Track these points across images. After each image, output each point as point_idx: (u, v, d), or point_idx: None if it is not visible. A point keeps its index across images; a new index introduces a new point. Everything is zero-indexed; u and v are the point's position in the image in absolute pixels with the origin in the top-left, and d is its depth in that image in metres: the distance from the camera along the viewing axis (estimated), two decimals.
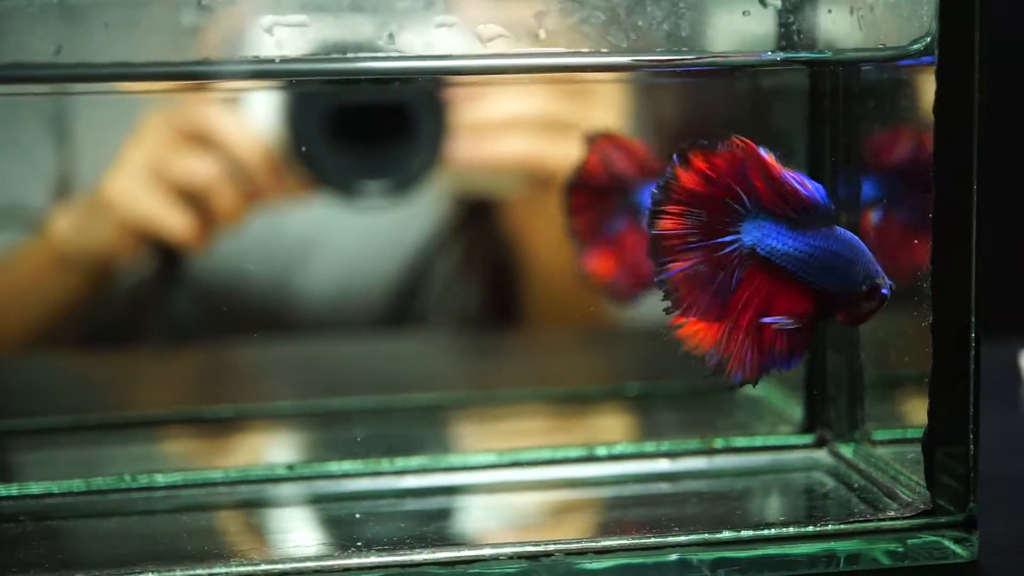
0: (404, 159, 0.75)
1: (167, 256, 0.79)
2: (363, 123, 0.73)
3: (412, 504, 0.45)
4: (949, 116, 0.38)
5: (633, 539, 0.39)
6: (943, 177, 0.38)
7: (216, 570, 0.37)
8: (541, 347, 0.78)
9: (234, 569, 0.38)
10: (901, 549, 0.40)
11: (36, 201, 0.84)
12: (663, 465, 0.48)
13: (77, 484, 0.45)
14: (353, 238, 0.86)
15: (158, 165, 0.75)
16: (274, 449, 0.55)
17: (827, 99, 0.45)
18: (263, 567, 0.38)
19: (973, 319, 0.39)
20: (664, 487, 0.47)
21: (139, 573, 0.37)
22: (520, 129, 0.77)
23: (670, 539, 0.39)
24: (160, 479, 0.45)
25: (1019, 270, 0.95)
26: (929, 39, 0.38)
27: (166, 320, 0.80)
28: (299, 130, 0.74)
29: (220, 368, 0.75)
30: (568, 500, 0.46)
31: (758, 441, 0.48)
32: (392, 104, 0.73)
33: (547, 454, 0.48)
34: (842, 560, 0.40)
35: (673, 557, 0.39)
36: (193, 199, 0.75)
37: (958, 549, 0.40)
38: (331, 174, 0.74)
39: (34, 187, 0.85)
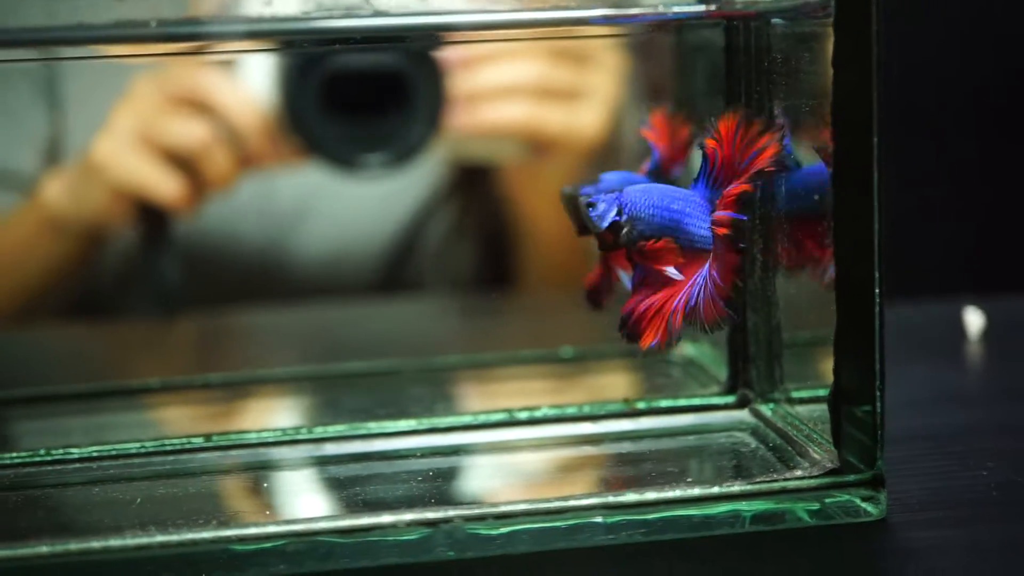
0: (402, 131, 0.74)
1: (156, 220, 0.78)
2: (360, 94, 0.72)
3: (329, 471, 0.45)
4: (847, 67, 0.37)
5: (533, 504, 0.39)
6: (842, 130, 0.38)
7: (111, 543, 0.37)
8: (535, 310, 0.77)
9: (129, 542, 0.37)
10: (816, 507, 0.40)
11: (26, 166, 0.84)
12: (586, 428, 0.47)
13: None
14: (347, 203, 0.85)
15: (148, 129, 0.74)
16: (254, 415, 0.55)
17: (741, 55, 0.45)
18: (159, 539, 0.37)
19: (877, 275, 0.38)
20: (587, 450, 0.47)
21: (32, 547, 0.37)
22: (517, 95, 0.76)
23: (572, 503, 0.39)
24: (75, 452, 0.45)
25: (964, 230, 0.94)
26: None
27: (155, 285, 0.80)
28: (295, 102, 0.73)
29: (208, 335, 0.75)
30: (486, 466, 0.46)
31: (681, 402, 0.48)
32: (389, 74, 0.72)
33: (468, 419, 0.47)
34: (747, 520, 0.39)
35: (575, 521, 0.39)
36: (183, 163, 0.75)
37: (868, 507, 0.40)
38: (328, 147, 0.73)
39: (24, 152, 0.84)
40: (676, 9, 0.41)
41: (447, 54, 0.74)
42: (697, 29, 0.48)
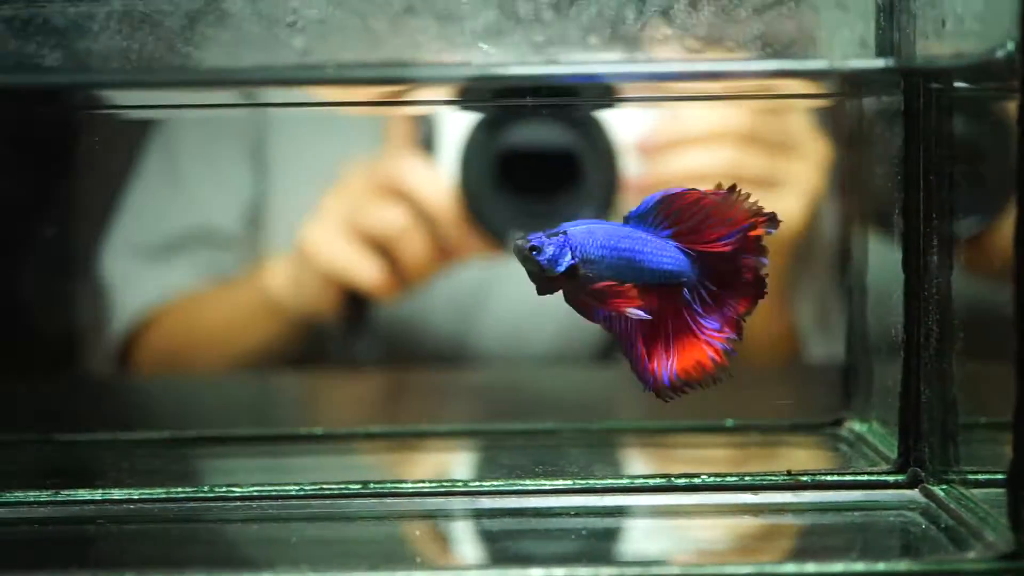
0: (569, 213, 0.74)
1: (358, 305, 0.81)
2: (530, 171, 0.73)
3: (482, 524, 0.45)
4: None
5: (686, 569, 0.38)
6: None
7: None
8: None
9: None
10: None
11: (230, 224, 0.87)
12: (747, 497, 0.46)
13: (158, 492, 0.46)
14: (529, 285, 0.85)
15: (355, 217, 0.77)
16: (412, 465, 0.56)
17: (920, 118, 0.43)
18: None
19: None
20: (746, 520, 0.45)
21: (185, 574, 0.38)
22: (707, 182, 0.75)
23: (729, 570, 0.38)
24: (237, 491, 0.46)
25: None
26: (1011, 46, 0.36)
27: (350, 364, 0.83)
28: (466, 177, 0.74)
29: (398, 397, 0.76)
30: (640, 529, 0.45)
31: (847, 477, 0.46)
32: (561, 154, 0.73)
33: (624, 482, 0.46)
34: None
35: None
36: (386, 251, 0.76)
37: None
38: (495, 224, 0.74)
39: (230, 210, 0.88)
40: (854, 63, 0.40)
41: (631, 140, 0.74)
42: (878, 94, 0.47)
